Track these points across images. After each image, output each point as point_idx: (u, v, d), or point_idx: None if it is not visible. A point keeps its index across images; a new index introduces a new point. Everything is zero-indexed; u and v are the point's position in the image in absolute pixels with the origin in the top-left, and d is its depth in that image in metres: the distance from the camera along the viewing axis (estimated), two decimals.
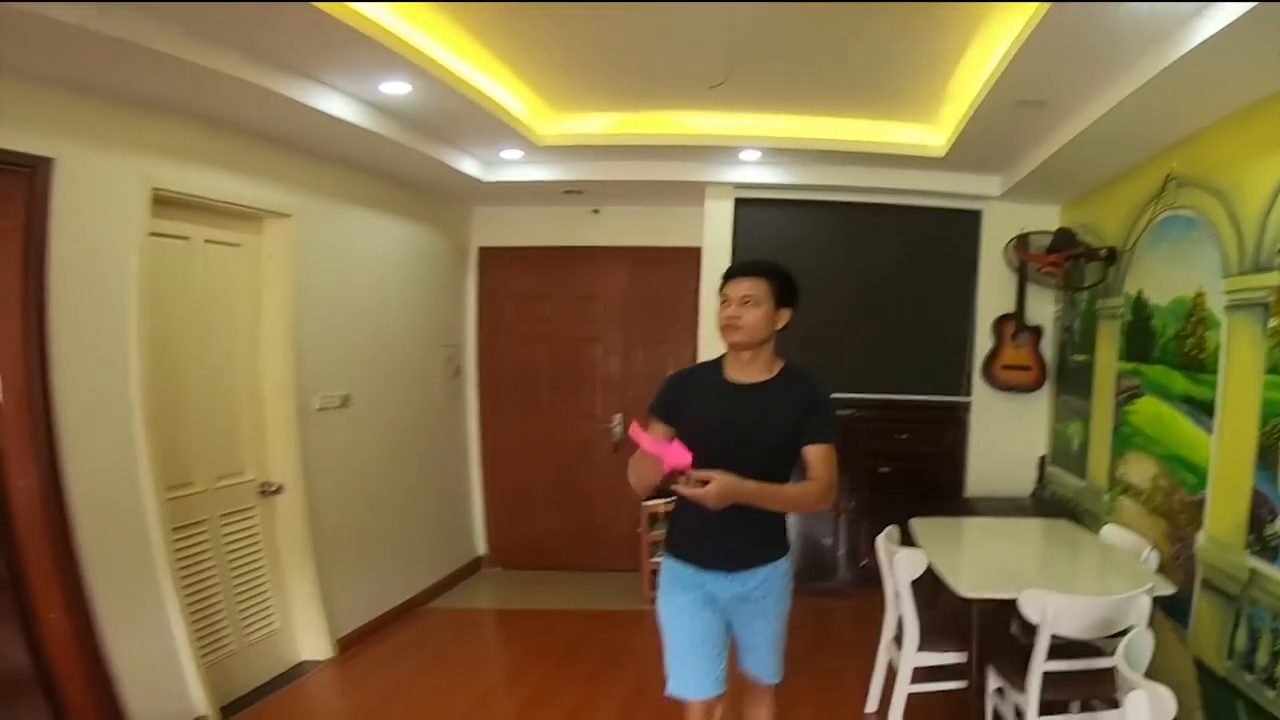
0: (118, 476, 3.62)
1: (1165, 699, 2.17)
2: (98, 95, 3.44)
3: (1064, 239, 5.34)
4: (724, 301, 2.83)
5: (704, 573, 2.86)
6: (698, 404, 2.86)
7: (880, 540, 4.02)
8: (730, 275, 2.87)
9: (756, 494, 2.66)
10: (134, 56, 3.03)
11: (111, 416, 3.60)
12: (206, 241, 4.20)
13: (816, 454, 2.78)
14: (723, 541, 2.79)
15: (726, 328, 2.81)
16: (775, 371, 2.87)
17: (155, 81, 3.37)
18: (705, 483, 2.56)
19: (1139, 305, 4.44)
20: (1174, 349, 4.03)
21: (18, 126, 3.17)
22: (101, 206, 3.52)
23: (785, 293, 2.84)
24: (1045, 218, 5.74)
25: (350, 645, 5.00)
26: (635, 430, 2.65)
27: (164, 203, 3.81)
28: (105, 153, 3.53)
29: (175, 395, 4.00)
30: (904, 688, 3.80)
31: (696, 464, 2.60)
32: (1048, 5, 2.92)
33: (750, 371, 2.85)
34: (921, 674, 3.81)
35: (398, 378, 5.76)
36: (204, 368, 4.21)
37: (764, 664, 3.02)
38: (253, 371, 4.55)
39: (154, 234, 3.76)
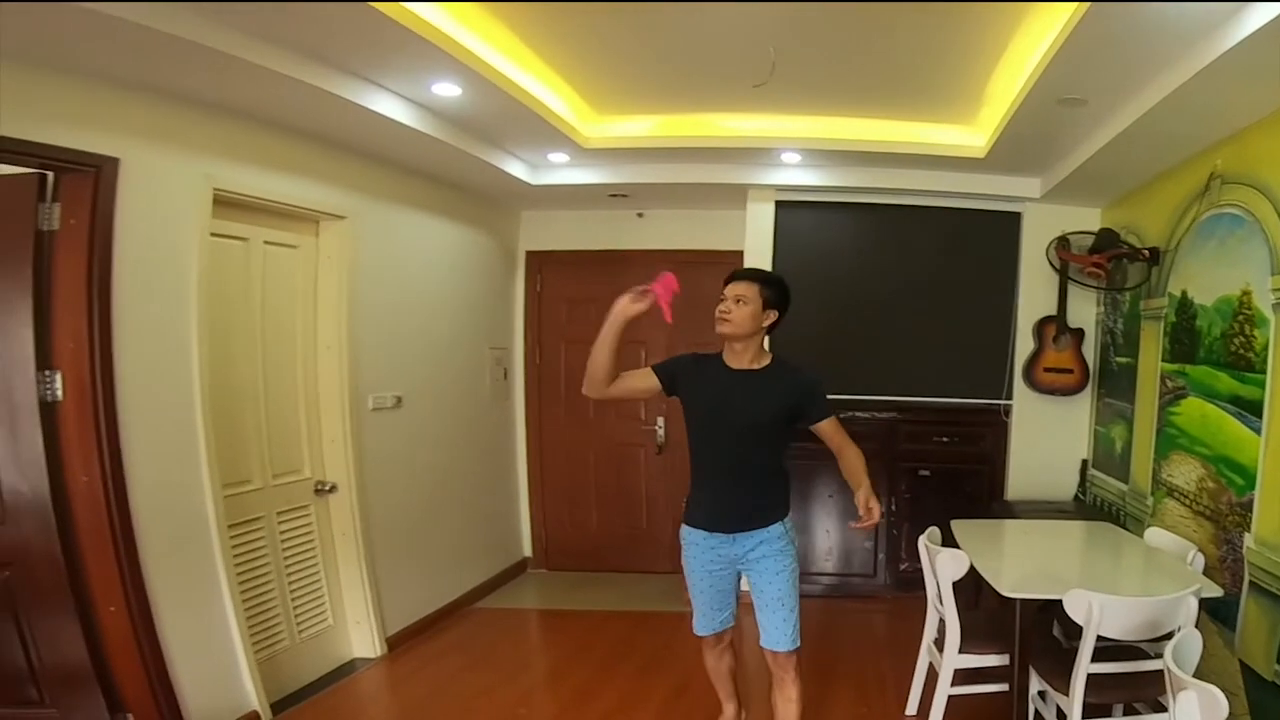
0: (178, 473, 3.69)
1: (1217, 699, 2.14)
2: (162, 96, 3.52)
3: (1106, 239, 5.30)
4: (722, 299, 3.36)
5: (711, 535, 3.40)
6: (700, 383, 3.40)
7: (922, 541, 4.01)
8: (729, 279, 3.42)
9: (868, 487, 3.26)
10: (195, 56, 3.10)
11: (172, 414, 3.67)
12: (265, 243, 4.30)
13: (828, 428, 3.39)
14: (723, 509, 3.37)
15: (719, 320, 3.34)
16: (764, 363, 3.39)
17: (217, 82, 3.45)
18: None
19: (1183, 305, 4.41)
20: (1220, 348, 4.00)
21: (85, 126, 3.25)
22: (165, 206, 3.59)
23: (774, 297, 3.37)
24: (1086, 219, 5.71)
25: (399, 643, 5.07)
26: (669, 283, 3.24)
27: (224, 203, 3.88)
28: (169, 153, 3.60)
29: (234, 394, 4.09)
30: (945, 690, 3.78)
31: (701, 437, 3.39)
32: (1088, 4, 2.92)
33: (742, 359, 3.38)
34: (962, 676, 3.80)
35: (449, 380, 5.84)
36: (262, 367, 4.29)
37: (773, 625, 3.37)
38: (309, 372, 4.63)
39: (214, 234, 3.84)
